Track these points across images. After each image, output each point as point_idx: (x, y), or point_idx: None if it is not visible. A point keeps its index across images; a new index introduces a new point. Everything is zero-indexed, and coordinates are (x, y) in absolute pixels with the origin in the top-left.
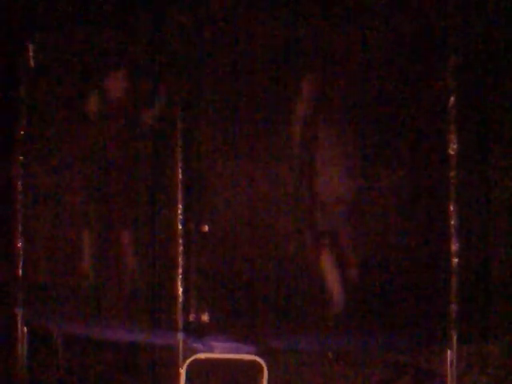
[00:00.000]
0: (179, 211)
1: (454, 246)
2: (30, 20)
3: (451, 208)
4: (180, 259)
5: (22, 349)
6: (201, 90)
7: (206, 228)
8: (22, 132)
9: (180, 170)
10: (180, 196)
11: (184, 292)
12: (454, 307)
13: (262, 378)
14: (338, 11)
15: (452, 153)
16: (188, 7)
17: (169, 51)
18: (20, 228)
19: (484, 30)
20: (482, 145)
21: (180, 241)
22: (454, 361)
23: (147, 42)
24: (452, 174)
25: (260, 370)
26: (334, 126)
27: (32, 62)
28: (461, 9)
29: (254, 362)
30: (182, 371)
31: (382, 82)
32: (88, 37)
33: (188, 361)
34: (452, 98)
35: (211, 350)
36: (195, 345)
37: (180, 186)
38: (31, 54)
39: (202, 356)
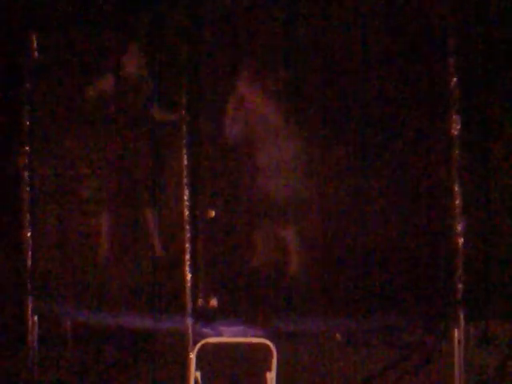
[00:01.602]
0: (185, 197)
1: (459, 226)
2: (32, 17)
3: (455, 188)
4: (187, 245)
5: (33, 337)
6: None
7: (213, 213)
8: (27, 122)
9: (185, 156)
10: (186, 181)
11: (192, 277)
12: (460, 286)
13: (272, 360)
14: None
15: (455, 133)
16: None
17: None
18: (28, 217)
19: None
20: (485, 125)
21: (187, 226)
22: (462, 340)
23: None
24: (455, 154)
25: (269, 352)
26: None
27: (36, 54)
28: None
29: (263, 345)
30: (192, 356)
31: (383, 67)
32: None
33: (198, 345)
34: (454, 79)
35: (220, 335)
36: (204, 329)
37: (186, 171)
38: (35, 46)
39: (211, 340)
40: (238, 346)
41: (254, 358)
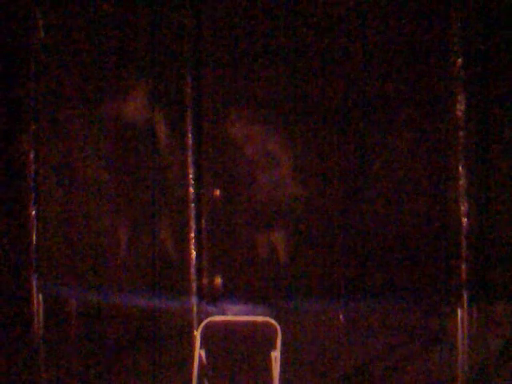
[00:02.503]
0: (190, 175)
1: (463, 207)
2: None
3: (460, 169)
4: (192, 223)
5: (38, 316)
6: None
7: (218, 192)
8: (32, 102)
9: (190, 135)
10: (191, 160)
11: (197, 256)
12: (464, 267)
13: (276, 339)
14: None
15: (460, 113)
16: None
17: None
18: (33, 196)
19: None
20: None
21: (192, 205)
22: (465, 321)
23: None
24: (460, 134)
25: (274, 331)
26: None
27: (42, 33)
28: None
29: (267, 324)
30: (197, 334)
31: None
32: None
33: (202, 323)
34: (459, 60)
35: (225, 313)
36: (209, 308)
37: (191, 150)
38: (41, 30)
39: (216, 319)
40: (242, 324)
41: (259, 337)
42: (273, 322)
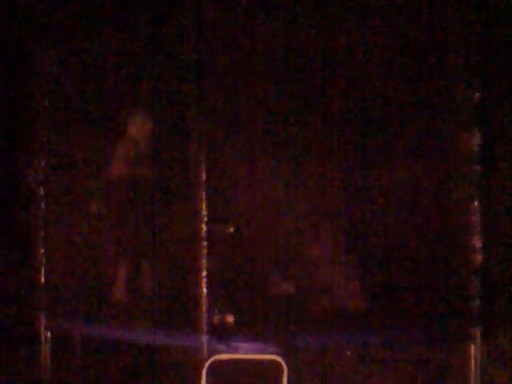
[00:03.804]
0: (203, 212)
1: (477, 242)
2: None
3: (474, 204)
4: (204, 261)
5: (46, 353)
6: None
7: (231, 229)
8: (41, 137)
9: (204, 172)
10: (204, 196)
11: (208, 294)
12: (476, 303)
13: (283, 377)
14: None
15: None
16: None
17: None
18: (42, 233)
19: None
20: None
21: (204, 242)
22: (478, 357)
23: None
24: (476, 168)
25: (280, 369)
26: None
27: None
28: None
29: (274, 362)
30: (203, 372)
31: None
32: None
33: (208, 361)
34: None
35: (236, 351)
36: (220, 346)
37: (204, 186)
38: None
39: (222, 357)
40: (250, 362)
41: (266, 375)
42: (279, 360)
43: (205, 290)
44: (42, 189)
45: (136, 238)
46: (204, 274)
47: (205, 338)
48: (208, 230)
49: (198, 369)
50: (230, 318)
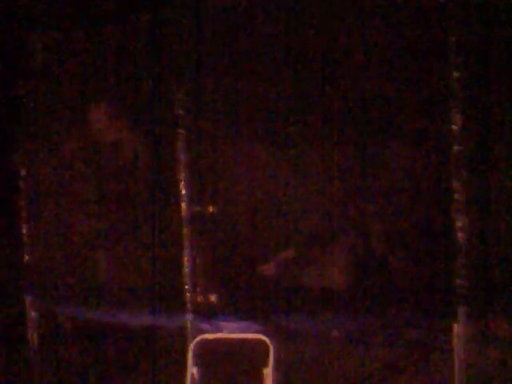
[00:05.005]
0: (183, 192)
1: (461, 222)
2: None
3: (456, 184)
4: (186, 241)
5: (32, 334)
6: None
7: (211, 209)
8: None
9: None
10: (183, 177)
11: (191, 273)
12: (461, 283)
13: (268, 356)
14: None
15: (455, 128)
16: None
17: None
18: (25, 214)
19: None
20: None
21: (185, 222)
22: (462, 336)
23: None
24: (456, 149)
25: (266, 348)
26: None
27: (37, 54)
28: None
29: (259, 341)
30: (189, 351)
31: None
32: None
33: (194, 341)
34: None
35: (220, 331)
36: (204, 326)
37: (182, 166)
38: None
39: (208, 336)
40: (234, 341)
41: (251, 354)
42: (265, 339)
43: (188, 270)
44: (24, 170)
45: (119, 220)
46: (186, 254)
47: (189, 318)
48: (189, 209)
49: (183, 349)
50: (214, 298)
